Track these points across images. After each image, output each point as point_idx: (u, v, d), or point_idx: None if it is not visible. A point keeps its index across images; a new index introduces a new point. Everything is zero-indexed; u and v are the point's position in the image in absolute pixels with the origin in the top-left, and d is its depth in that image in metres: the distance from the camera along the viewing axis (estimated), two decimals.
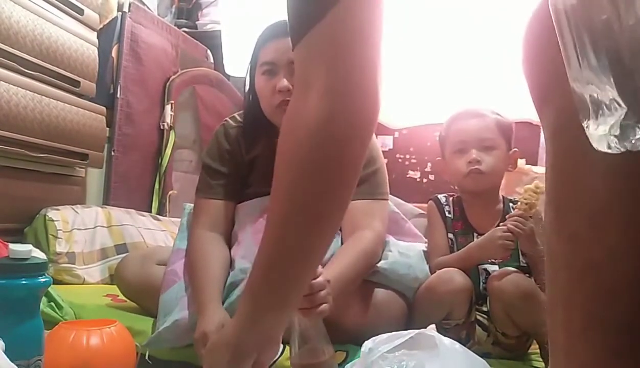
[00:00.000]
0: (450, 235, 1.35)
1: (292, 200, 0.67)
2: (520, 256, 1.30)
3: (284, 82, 1.22)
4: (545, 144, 0.50)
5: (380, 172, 1.31)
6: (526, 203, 1.22)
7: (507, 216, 1.25)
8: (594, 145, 0.39)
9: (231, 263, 1.25)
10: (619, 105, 0.36)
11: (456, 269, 1.21)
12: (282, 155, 0.68)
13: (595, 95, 0.38)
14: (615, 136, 0.37)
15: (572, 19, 0.38)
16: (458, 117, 1.37)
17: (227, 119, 1.41)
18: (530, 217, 1.22)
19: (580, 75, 0.39)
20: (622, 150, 0.37)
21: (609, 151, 0.38)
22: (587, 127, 0.39)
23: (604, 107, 0.37)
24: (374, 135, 1.35)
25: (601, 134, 0.38)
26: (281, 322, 0.74)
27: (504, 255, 1.26)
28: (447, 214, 1.37)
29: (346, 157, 0.66)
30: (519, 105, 2.63)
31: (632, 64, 0.36)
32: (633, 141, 0.36)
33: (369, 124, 0.67)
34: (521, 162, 2.48)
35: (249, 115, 1.34)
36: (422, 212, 1.48)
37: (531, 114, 2.63)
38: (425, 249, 1.37)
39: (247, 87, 1.35)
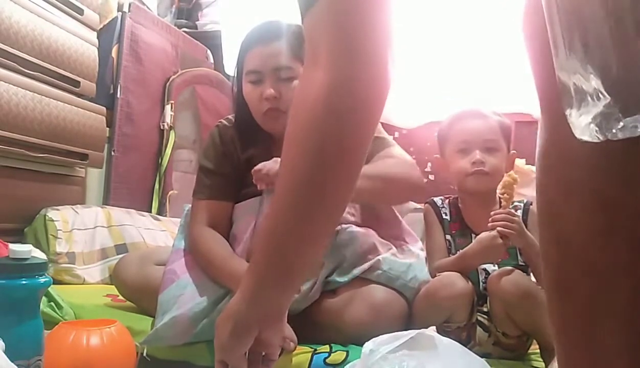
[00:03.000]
0: (448, 237, 1.35)
1: (294, 175, 0.66)
2: (519, 255, 1.30)
3: (270, 91, 1.23)
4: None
5: (381, 130, 1.35)
6: (508, 197, 1.23)
7: (492, 212, 1.23)
8: (576, 133, 0.39)
9: None
10: (603, 95, 0.36)
11: (457, 273, 1.20)
12: (288, 130, 0.67)
13: (579, 84, 0.38)
14: (597, 125, 0.37)
15: (562, 8, 0.38)
16: (461, 116, 1.37)
17: (221, 120, 1.41)
18: (515, 209, 1.24)
19: (566, 65, 0.38)
20: (603, 138, 0.37)
21: (590, 140, 0.38)
22: (569, 115, 0.39)
23: (588, 97, 0.37)
24: None
25: (584, 123, 0.38)
26: (283, 299, 0.73)
27: (502, 257, 1.26)
28: (444, 216, 1.37)
29: (351, 129, 0.64)
30: (519, 103, 2.64)
31: (615, 54, 0.35)
32: (614, 131, 0.36)
33: (377, 94, 0.65)
34: (521, 162, 2.48)
35: (240, 117, 1.35)
36: (418, 206, 1.48)
37: (531, 111, 2.63)
38: (422, 253, 1.37)
39: (235, 90, 1.36)
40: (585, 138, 0.38)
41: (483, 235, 1.23)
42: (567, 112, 0.39)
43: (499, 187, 1.27)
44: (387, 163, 1.27)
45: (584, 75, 0.37)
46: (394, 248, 1.31)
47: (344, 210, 0.70)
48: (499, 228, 1.20)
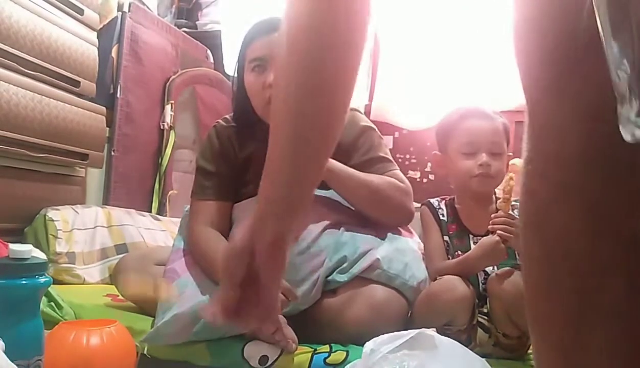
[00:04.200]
0: (446, 238, 1.34)
1: (286, 97, 0.66)
2: (517, 254, 1.30)
3: (272, 78, 1.23)
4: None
5: (387, 151, 1.39)
6: (508, 197, 1.24)
7: (492, 215, 1.23)
8: (622, 132, 0.36)
9: None
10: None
11: (458, 277, 1.20)
12: (278, 63, 0.68)
13: (619, 80, 0.35)
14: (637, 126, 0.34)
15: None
16: (466, 115, 1.35)
17: (218, 120, 1.42)
18: (512, 209, 1.26)
19: (613, 59, 0.36)
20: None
21: (631, 141, 0.35)
22: (619, 110, 0.37)
23: (628, 95, 0.35)
24: (370, 125, 1.38)
25: (625, 121, 0.35)
26: (286, 226, 0.69)
27: (503, 259, 1.25)
28: (441, 217, 1.36)
29: (334, 55, 0.65)
30: (519, 102, 2.64)
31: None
32: None
33: (358, 23, 0.65)
34: (521, 162, 2.48)
35: (240, 114, 1.36)
36: (416, 205, 1.48)
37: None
38: (419, 248, 1.37)
39: (235, 86, 1.36)
40: (627, 138, 0.36)
41: (485, 240, 1.23)
42: (619, 108, 0.37)
43: (501, 189, 1.26)
44: (390, 183, 1.31)
45: (620, 74, 0.35)
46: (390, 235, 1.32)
47: (339, 130, 0.70)
48: (499, 232, 1.20)
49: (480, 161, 1.29)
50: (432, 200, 1.40)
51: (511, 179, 1.25)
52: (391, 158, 1.39)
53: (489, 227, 1.22)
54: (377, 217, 1.33)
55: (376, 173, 1.32)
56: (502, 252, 1.21)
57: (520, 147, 0.50)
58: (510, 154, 1.39)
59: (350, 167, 1.31)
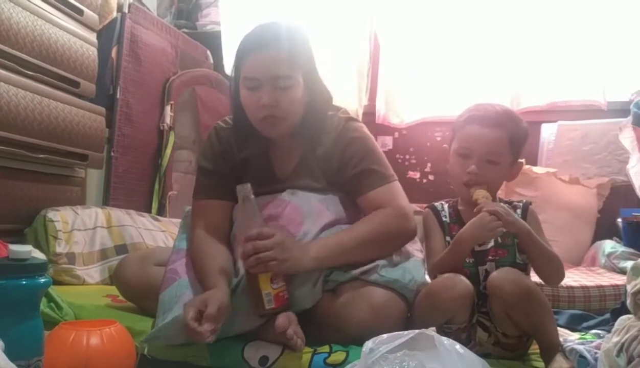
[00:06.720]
0: (448, 239, 1.34)
1: None
2: (517, 253, 1.29)
3: (267, 99, 1.24)
4: None
5: (381, 161, 1.35)
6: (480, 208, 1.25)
7: (476, 212, 1.23)
8: None
9: (235, 265, 1.25)
10: None
11: (458, 275, 1.20)
12: None
13: None
14: None
15: None
16: (474, 119, 1.33)
17: (218, 121, 1.42)
18: (515, 209, 1.27)
19: None
20: None
21: None
22: None
23: None
24: (369, 135, 1.37)
25: None
26: None
27: (494, 235, 1.24)
28: (443, 219, 1.37)
29: None
30: (518, 99, 2.65)
31: None
32: None
33: None
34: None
35: (237, 118, 1.36)
36: (418, 209, 1.47)
37: (532, 103, 2.63)
38: (421, 252, 1.37)
39: (232, 91, 1.35)
40: None
41: (474, 217, 1.23)
42: None
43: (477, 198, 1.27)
44: (379, 221, 1.26)
45: None
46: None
47: None
48: (491, 208, 1.21)
49: (468, 169, 1.30)
50: (435, 204, 1.40)
51: (482, 190, 1.26)
52: (386, 165, 1.36)
53: (474, 210, 1.23)
54: (387, 253, 1.29)
55: (370, 188, 1.30)
56: (492, 223, 1.20)
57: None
58: (522, 160, 1.38)
59: (344, 181, 1.31)
